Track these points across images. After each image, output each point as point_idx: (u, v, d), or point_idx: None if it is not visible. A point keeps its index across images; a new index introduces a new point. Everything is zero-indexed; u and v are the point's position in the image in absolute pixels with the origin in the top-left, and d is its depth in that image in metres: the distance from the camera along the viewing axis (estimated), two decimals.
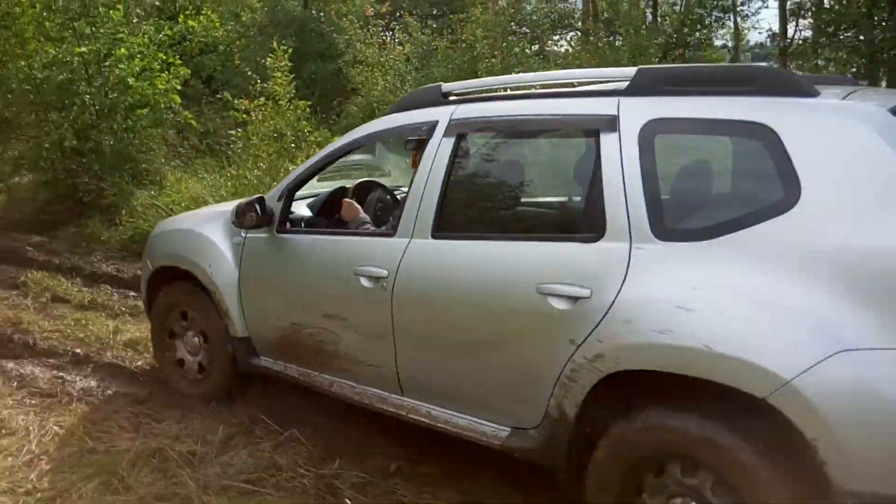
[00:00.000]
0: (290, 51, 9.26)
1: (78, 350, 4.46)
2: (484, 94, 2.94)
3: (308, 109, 9.26)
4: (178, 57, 10.07)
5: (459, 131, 2.78)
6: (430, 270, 2.70)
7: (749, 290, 1.98)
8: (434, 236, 2.72)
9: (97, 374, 4.10)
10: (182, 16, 10.50)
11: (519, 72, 10.42)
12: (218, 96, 12.25)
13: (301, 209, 3.68)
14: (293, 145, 8.52)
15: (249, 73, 9.71)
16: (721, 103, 2.21)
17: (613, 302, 2.17)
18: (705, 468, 2.05)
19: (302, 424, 3.39)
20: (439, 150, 2.79)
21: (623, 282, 2.18)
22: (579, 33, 16.55)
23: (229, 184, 7.83)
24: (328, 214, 3.65)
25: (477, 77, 10.66)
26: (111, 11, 8.82)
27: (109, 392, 3.75)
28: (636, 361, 2.13)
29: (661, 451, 2.14)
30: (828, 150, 2.01)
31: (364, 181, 3.88)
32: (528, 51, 12.31)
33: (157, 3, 12.53)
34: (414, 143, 3.16)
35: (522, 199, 3.08)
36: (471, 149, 2.90)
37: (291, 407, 3.59)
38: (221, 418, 3.48)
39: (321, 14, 13.97)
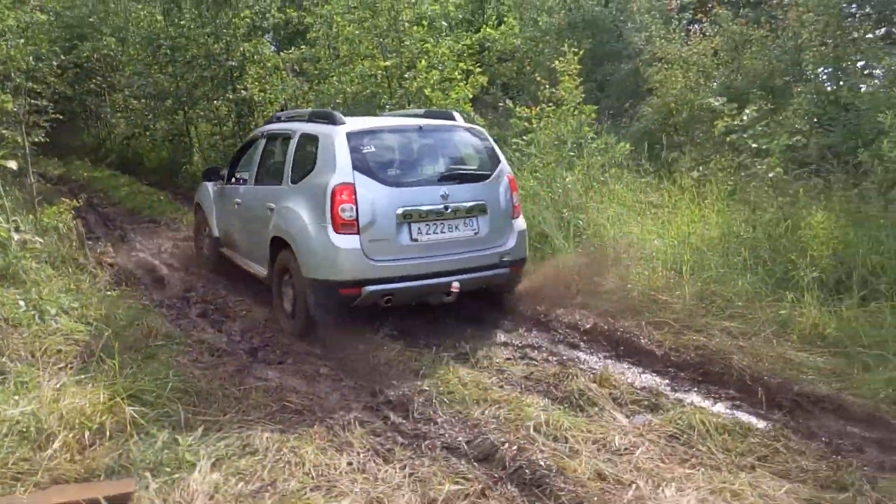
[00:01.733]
0: (580, 52, 8.79)
1: None
2: (283, 118, 7.11)
3: (594, 114, 8.66)
4: (476, 65, 10.21)
5: (264, 136, 6.96)
6: (249, 198, 6.73)
7: (300, 201, 5.63)
8: (254, 184, 6.75)
9: None
10: (485, 26, 10.58)
11: (857, 61, 8.72)
12: (500, 105, 12.25)
13: (245, 174, 7.25)
14: (572, 153, 8.02)
15: (538, 78, 9.46)
16: (318, 127, 5.86)
17: (275, 210, 5.93)
18: (288, 271, 5.75)
19: None
20: (258, 145, 6.99)
21: (282, 202, 5.85)
22: None
23: None
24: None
25: (800, 69, 9.13)
26: (415, 28, 9.22)
27: None
28: (275, 233, 5.85)
29: (283, 265, 5.79)
30: (325, 148, 5.52)
31: None
32: (870, 35, 10.10)
33: (468, 17, 12.86)
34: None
35: (275, 167, 6.49)
36: (267, 145, 6.85)
37: None
38: None
39: (620, 13, 13.23)
